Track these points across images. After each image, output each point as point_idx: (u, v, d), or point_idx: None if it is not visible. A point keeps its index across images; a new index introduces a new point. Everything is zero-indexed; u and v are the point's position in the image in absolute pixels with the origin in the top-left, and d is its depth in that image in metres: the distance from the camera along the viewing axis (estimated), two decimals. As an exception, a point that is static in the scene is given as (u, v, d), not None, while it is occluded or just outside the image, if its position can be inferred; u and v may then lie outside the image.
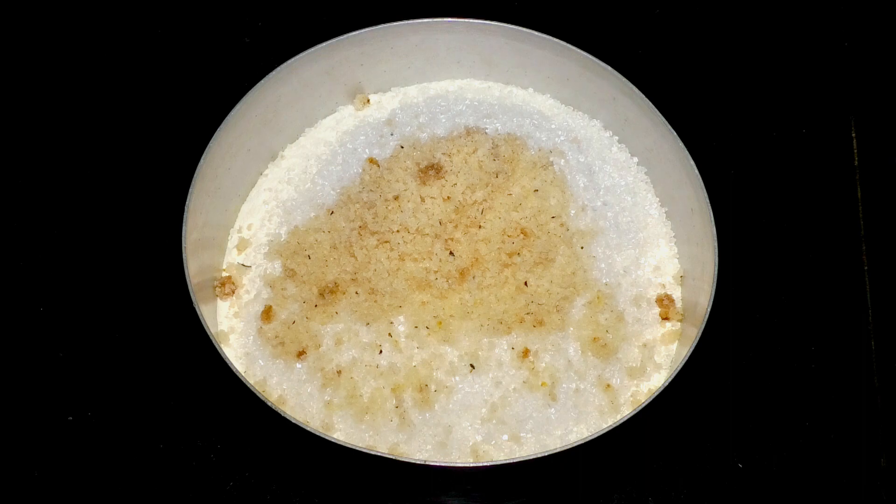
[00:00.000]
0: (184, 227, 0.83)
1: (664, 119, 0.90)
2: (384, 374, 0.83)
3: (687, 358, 0.77)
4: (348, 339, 0.85)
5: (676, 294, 0.90)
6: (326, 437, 0.75)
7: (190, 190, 0.85)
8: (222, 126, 0.89)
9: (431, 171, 0.88)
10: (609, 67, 0.93)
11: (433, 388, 0.82)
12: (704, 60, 1.15)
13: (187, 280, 0.81)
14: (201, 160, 0.87)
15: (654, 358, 0.86)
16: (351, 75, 1.00)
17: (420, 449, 0.81)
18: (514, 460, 0.76)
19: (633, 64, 0.99)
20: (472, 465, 0.79)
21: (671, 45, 1.16)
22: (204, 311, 0.81)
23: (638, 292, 0.89)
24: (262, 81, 0.92)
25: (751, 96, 1.12)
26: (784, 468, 0.89)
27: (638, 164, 0.97)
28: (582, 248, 0.90)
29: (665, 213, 0.94)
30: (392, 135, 0.97)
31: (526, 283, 0.86)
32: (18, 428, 0.90)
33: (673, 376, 0.77)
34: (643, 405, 0.76)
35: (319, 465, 0.88)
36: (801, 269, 1.00)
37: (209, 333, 0.79)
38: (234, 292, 0.90)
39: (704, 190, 0.86)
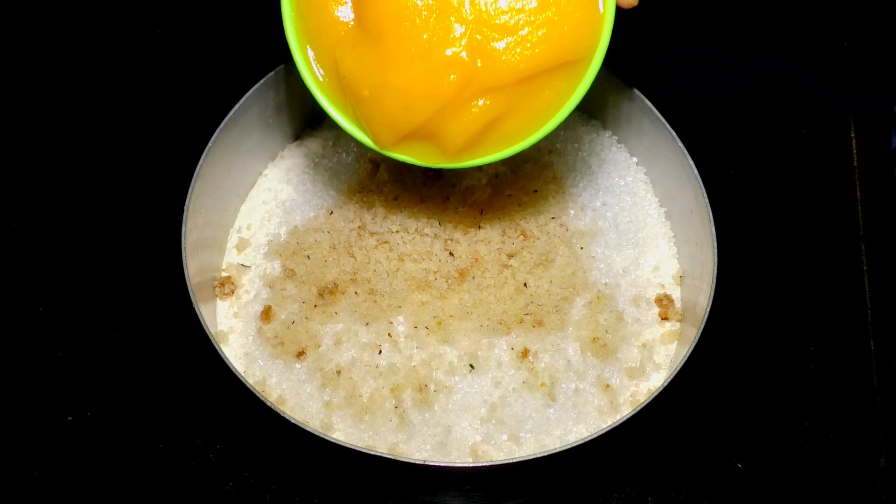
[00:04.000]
0: (183, 228, 0.83)
1: (664, 119, 0.90)
2: (384, 374, 0.83)
3: (686, 358, 0.77)
4: (348, 339, 0.85)
5: (676, 294, 0.90)
6: (326, 437, 0.74)
7: (190, 190, 0.85)
8: (222, 126, 0.89)
9: (431, 171, 0.88)
10: (608, 68, 0.93)
11: (432, 388, 0.82)
12: (704, 60, 1.15)
13: (187, 280, 0.81)
14: (201, 160, 0.87)
15: (654, 358, 0.86)
16: (351, 75, 1.00)
17: (419, 449, 0.81)
18: (514, 460, 0.75)
19: (634, 64, 0.99)
20: (471, 465, 0.78)
21: (671, 45, 1.16)
22: (203, 311, 0.81)
23: (637, 292, 0.89)
24: (262, 81, 0.92)
25: (750, 96, 1.12)
26: (784, 468, 0.89)
27: (637, 164, 0.97)
28: (581, 248, 0.90)
29: (664, 213, 0.94)
30: (392, 135, 0.97)
31: (525, 285, 0.86)
32: (18, 428, 0.90)
33: (672, 376, 0.77)
34: (642, 405, 0.76)
35: (319, 465, 0.88)
36: (801, 270, 1.00)
37: (209, 333, 0.79)
38: (233, 292, 0.90)
39: (704, 190, 0.86)
